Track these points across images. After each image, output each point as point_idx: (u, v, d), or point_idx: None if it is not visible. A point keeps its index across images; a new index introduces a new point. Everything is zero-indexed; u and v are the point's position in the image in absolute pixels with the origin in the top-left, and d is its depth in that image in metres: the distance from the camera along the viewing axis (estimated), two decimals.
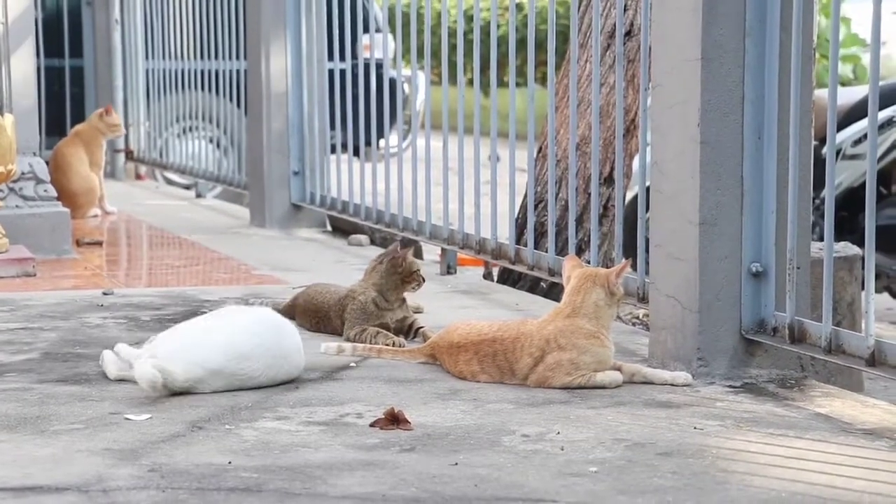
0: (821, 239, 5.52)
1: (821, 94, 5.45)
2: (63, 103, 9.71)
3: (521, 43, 5.15)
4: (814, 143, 3.71)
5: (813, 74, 3.62)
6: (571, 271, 3.63)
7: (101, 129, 7.58)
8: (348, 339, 4.08)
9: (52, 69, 9.52)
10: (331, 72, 6.65)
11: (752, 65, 3.57)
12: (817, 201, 6.00)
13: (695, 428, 3.14)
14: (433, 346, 3.78)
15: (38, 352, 3.99)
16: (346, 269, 5.55)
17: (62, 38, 9.68)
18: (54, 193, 6.02)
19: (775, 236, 3.58)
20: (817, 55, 3.53)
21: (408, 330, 4.15)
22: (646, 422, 3.19)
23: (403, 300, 4.20)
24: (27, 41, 5.93)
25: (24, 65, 5.91)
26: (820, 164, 3.76)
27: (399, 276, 4.15)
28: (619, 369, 3.56)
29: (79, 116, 9.36)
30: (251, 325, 3.54)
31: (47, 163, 6.28)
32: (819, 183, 3.81)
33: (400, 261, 4.15)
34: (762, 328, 3.61)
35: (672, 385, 3.54)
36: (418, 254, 6.70)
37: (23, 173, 5.88)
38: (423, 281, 4.21)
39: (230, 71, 8.05)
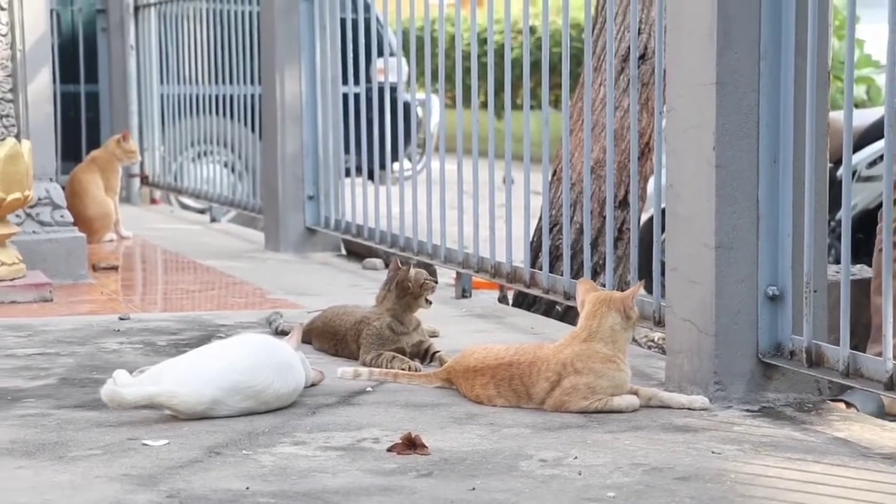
0: (837, 262, 5.51)
1: (836, 116, 5.45)
2: (79, 129, 9.74)
3: (535, 66, 5.16)
4: (829, 165, 3.70)
5: (828, 97, 3.62)
6: (585, 295, 3.63)
7: (118, 155, 7.60)
8: (364, 364, 4.07)
9: (68, 95, 9.55)
10: (345, 96, 6.67)
11: (767, 88, 3.56)
12: (833, 224, 5.99)
13: (712, 452, 3.13)
14: (449, 370, 3.78)
15: (56, 377, 3.99)
16: (360, 292, 5.54)
17: (78, 64, 9.71)
18: (70, 219, 6.03)
19: (791, 259, 3.57)
20: (832, 77, 3.52)
21: (424, 354, 4.15)
22: (663, 446, 3.18)
23: (419, 323, 4.20)
24: (44, 68, 5.95)
25: (41, 91, 5.93)
26: (835, 186, 3.76)
27: (411, 295, 4.15)
28: (635, 393, 3.55)
29: (94, 142, 9.38)
30: (244, 343, 3.59)
31: (63, 188, 6.29)
32: (835, 205, 3.80)
33: (406, 282, 4.14)
34: (779, 352, 3.60)
35: (689, 409, 3.52)
36: (433, 275, 6.68)
37: (39, 199, 5.89)
38: (435, 285, 4.20)
39: (244, 95, 8.07)
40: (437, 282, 4.24)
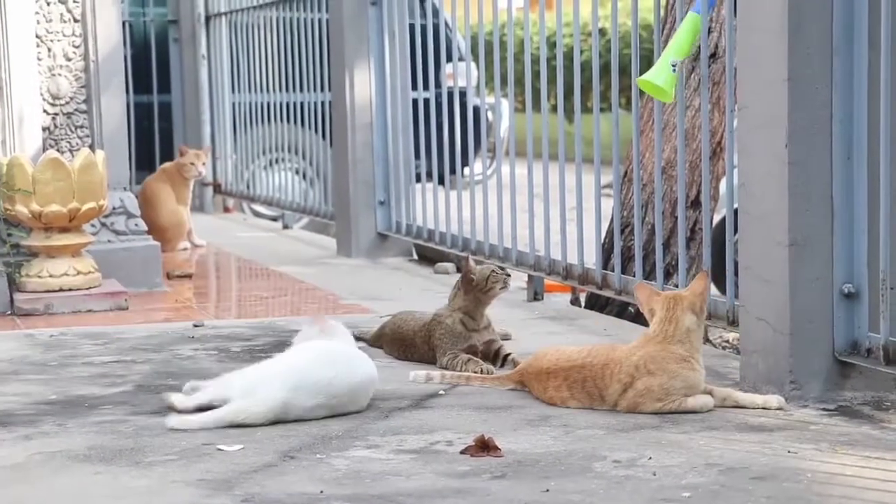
0: None
1: None
2: (152, 139, 9.82)
3: (605, 68, 5.13)
4: None
5: None
6: (650, 300, 3.59)
7: (180, 171, 7.60)
8: (441, 367, 4.07)
9: (141, 105, 9.63)
10: (415, 101, 6.67)
11: (840, 83, 3.52)
12: None
13: (789, 452, 3.10)
14: (522, 372, 3.77)
15: (132, 384, 4.02)
16: (432, 297, 5.54)
17: (150, 74, 9.80)
18: (145, 227, 6.07)
19: (867, 257, 3.53)
20: None
21: (495, 356, 4.14)
22: (738, 446, 3.16)
23: (490, 322, 4.19)
24: (117, 78, 6.00)
25: (114, 102, 5.98)
26: None
27: (477, 288, 4.14)
28: (710, 393, 3.53)
29: (168, 151, 9.45)
30: (300, 347, 3.62)
31: (137, 197, 6.33)
32: None
33: (469, 275, 4.14)
34: (856, 350, 3.56)
35: (764, 409, 3.49)
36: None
37: (114, 208, 5.94)
38: (507, 278, 4.17)
39: (315, 102, 8.10)
40: (509, 274, 4.21)
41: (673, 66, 4.16)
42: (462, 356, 4.06)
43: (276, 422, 3.41)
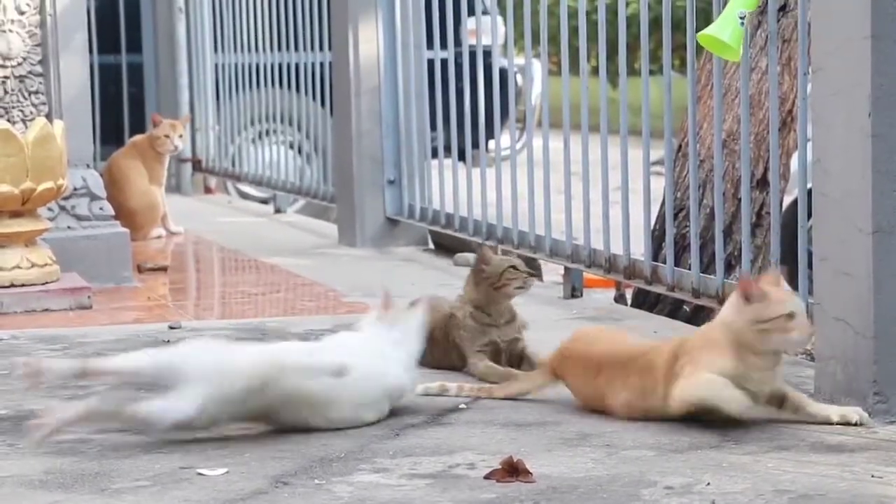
0: None
1: None
2: (120, 106, 9.84)
3: (655, 23, 5.13)
4: None
5: None
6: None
7: (153, 145, 7.60)
8: (469, 369, 4.11)
9: (107, 67, 9.65)
10: (430, 62, 6.67)
11: None
12: None
13: (873, 476, 3.10)
14: (562, 354, 3.77)
15: (96, 396, 4.03)
16: (451, 293, 5.54)
17: (118, 30, 9.82)
18: (111, 212, 6.08)
19: None
20: None
21: (520, 359, 4.15)
22: (813, 469, 3.16)
23: (513, 317, 4.19)
24: (78, 35, 6.01)
25: (76, 63, 6.00)
26: None
27: (488, 282, 4.14)
28: (784, 395, 3.53)
29: (138, 121, 9.48)
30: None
31: (101, 176, 6.34)
32: None
33: (481, 265, 4.14)
34: None
35: (842, 425, 3.50)
36: (535, 269, 6.69)
37: (75, 189, 5.95)
38: (529, 277, 4.16)
39: (312, 64, 8.11)
40: (533, 272, 4.21)
41: (741, 18, 4.15)
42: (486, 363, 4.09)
43: (257, 416, 3.44)
